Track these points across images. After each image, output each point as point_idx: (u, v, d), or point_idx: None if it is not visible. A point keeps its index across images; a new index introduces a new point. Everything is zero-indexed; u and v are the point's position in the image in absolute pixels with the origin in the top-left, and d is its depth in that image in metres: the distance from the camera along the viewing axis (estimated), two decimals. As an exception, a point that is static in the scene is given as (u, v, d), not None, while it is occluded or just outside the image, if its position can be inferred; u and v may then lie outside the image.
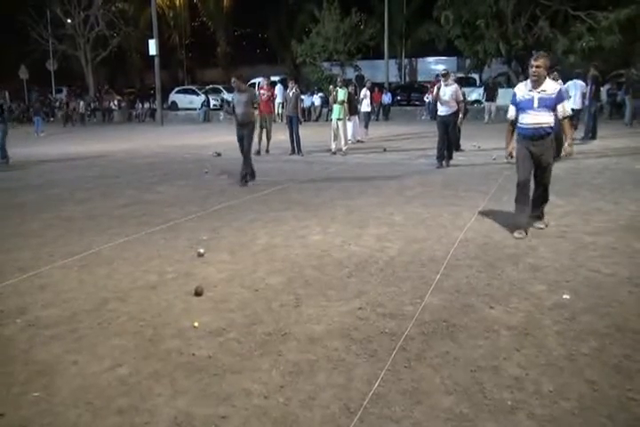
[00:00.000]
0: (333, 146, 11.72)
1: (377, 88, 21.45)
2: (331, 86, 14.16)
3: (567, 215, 5.80)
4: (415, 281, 3.98)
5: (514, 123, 5.18)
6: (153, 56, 23.28)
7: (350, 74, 26.45)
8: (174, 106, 29.82)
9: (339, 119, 11.62)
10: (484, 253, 4.60)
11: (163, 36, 31.86)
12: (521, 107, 5.05)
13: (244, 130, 8.20)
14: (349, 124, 12.68)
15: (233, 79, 8.36)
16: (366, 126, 15.09)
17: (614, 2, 18.67)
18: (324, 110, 22.36)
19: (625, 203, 6.32)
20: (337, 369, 2.79)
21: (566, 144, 5.04)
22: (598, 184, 7.57)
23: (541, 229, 5.24)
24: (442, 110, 9.44)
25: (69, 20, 31.82)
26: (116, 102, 27.73)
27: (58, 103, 28.74)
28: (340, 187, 7.90)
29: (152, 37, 23.11)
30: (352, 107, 12.89)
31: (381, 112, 22.44)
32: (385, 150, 12.03)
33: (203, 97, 26.46)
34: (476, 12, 20.20)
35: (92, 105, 28.58)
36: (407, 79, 32.77)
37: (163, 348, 3.05)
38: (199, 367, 2.83)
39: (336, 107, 11.72)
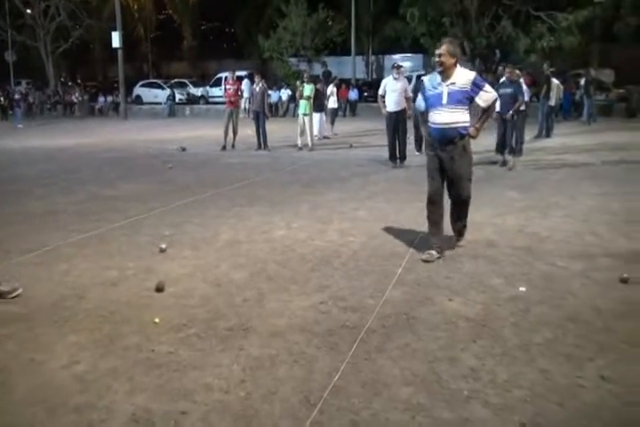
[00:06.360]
0: (300, 141, 11.72)
1: (344, 84, 21.52)
2: (298, 82, 14.12)
3: (526, 210, 5.95)
4: (377, 275, 4.03)
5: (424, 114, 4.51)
6: (116, 48, 22.79)
7: (317, 70, 26.43)
8: (139, 100, 29.25)
9: (305, 115, 11.62)
10: (446, 247, 4.67)
11: (127, 28, 31.10)
12: (430, 103, 4.31)
13: None
14: (316, 120, 12.68)
15: None
16: (332, 123, 15.12)
17: (573, 3, 19.18)
18: (291, 106, 22.31)
19: (581, 198, 6.52)
20: (298, 363, 2.81)
21: (472, 128, 4.27)
22: (557, 179, 7.79)
23: (460, 246, 4.59)
24: (391, 106, 8.90)
25: (29, 11, 30.82)
26: (77, 95, 27.04)
27: (16, 96, 27.86)
28: (305, 182, 7.91)
29: (115, 29, 22.62)
30: (319, 103, 12.89)
31: (348, 108, 22.53)
32: (351, 146, 12.09)
33: (168, 91, 26.04)
34: (442, 9, 20.46)
35: (53, 98, 27.83)
36: (374, 76, 32.93)
37: (121, 344, 3.01)
38: (159, 363, 2.80)
39: (302, 102, 11.72)
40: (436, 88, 4.25)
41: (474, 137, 4.29)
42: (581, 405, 2.44)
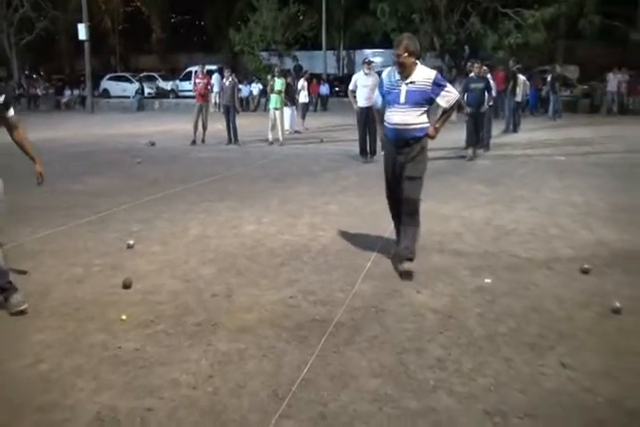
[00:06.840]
0: (270, 136, 11.68)
1: (315, 79, 21.49)
2: (268, 76, 14.04)
3: (492, 203, 6.06)
4: (346, 269, 4.05)
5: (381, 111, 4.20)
6: (83, 41, 22.27)
7: (289, 64, 26.34)
8: (106, 93, 28.69)
9: (276, 109, 11.58)
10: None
11: (93, 20, 30.33)
12: (387, 100, 4.01)
13: None
14: (287, 115, 12.64)
15: None
16: (303, 117, 15.10)
17: (540, 1, 19.52)
18: (262, 100, 22.18)
19: (545, 191, 6.68)
20: (267, 357, 2.81)
21: (431, 128, 3.98)
22: (522, 173, 7.95)
23: (409, 276, 3.85)
24: (362, 102, 8.84)
25: (-10, 1, 29.82)
26: (42, 88, 26.34)
27: (-22, 89, 27.02)
28: (275, 177, 7.89)
29: (82, 21, 22.09)
30: (290, 97, 12.83)
31: (319, 103, 22.52)
32: (322, 141, 12.10)
33: (137, 85, 25.59)
34: (412, 6, 20.58)
35: (17, 91, 27.05)
36: (345, 71, 32.99)
37: (87, 342, 2.96)
38: (125, 360, 2.77)
39: (273, 96, 11.67)
40: (394, 86, 3.94)
41: (432, 137, 3.99)
42: (543, 391, 2.51)
